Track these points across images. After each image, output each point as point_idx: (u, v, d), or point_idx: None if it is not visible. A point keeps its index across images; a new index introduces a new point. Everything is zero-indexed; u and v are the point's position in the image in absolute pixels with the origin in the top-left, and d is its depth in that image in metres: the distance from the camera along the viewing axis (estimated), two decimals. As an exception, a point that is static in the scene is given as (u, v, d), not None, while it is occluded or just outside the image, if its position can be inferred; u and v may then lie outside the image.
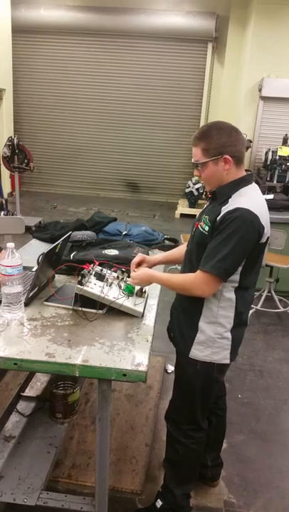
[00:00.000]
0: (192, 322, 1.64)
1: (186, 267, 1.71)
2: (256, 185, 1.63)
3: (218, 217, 1.51)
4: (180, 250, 1.97)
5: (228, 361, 1.67)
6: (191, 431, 1.78)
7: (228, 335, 1.63)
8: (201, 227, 1.59)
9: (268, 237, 1.59)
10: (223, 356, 1.65)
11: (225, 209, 1.50)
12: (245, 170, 1.63)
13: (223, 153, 1.52)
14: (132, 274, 1.75)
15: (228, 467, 2.20)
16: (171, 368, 2.98)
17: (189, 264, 1.68)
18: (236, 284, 1.57)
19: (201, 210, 1.76)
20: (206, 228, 1.56)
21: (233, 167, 1.55)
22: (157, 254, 2.01)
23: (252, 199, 1.54)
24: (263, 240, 1.54)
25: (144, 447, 2.27)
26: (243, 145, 1.59)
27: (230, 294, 1.58)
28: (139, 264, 1.89)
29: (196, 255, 1.62)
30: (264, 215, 1.53)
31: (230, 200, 1.53)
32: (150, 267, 1.94)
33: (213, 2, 7.47)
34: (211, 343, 1.63)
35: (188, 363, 1.68)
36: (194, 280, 1.54)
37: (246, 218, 1.46)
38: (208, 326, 1.62)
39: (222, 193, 1.58)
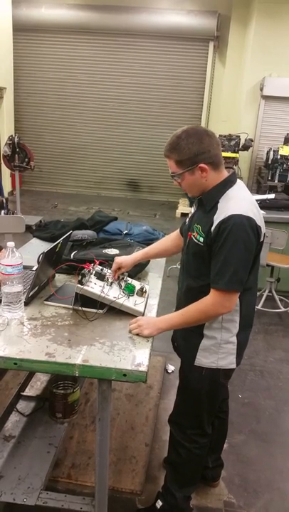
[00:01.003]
0: (197, 329, 1.60)
1: (186, 279, 1.67)
2: (241, 183, 1.58)
3: (213, 228, 1.46)
4: (161, 244, 1.93)
5: (234, 366, 1.65)
6: (195, 436, 1.77)
7: (234, 339, 1.61)
8: (195, 238, 1.55)
9: (264, 235, 1.56)
10: (229, 361, 1.63)
11: (217, 217, 1.46)
12: (227, 167, 1.58)
13: (197, 163, 1.47)
14: (132, 327, 1.56)
15: (228, 468, 2.20)
16: (171, 368, 2.98)
17: (188, 275, 1.65)
18: None
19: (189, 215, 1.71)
20: (201, 239, 1.52)
21: (212, 173, 1.50)
22: (135, 253, 1.93)
23: (241, 201, 1.49)
24: (261, 238, 1.52)
25: (144, 447, 2.27)
26: (218, 148, 1.52)
27: None
28: (119, 269, 1.83)
29: (195, 266, 1.59)
30: (257, 215, 1.49)
31: (218, 205, 1.49)
32: (130, 267, 1.87)
33: (215, 1, 7.45)
34: (217, 348, 1.60)
35: (194, 369, 1.65)
36: (214, 302, 1.49)
37: (242, 224, 1.42)
38: (214, 332, 1.59)
39: (208, 199, 1.53)
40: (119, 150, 8.62)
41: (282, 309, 4.00)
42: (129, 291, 1.75)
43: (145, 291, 1.81)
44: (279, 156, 5.69)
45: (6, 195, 7.26)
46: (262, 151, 6.66)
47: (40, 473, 1.82)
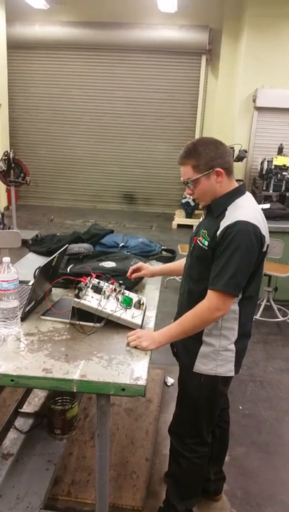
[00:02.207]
0: (196, 336, 1.61)
1: (187, 283, 1.70)
2: (250, 194, 1.64)
3: (218, 232, 1.50)
4: (180, 263, 1.96)
5: (232, 374, 1.66)
6: (195, 445, 1.76)
7: (233, 347, 1.62)
8: (200, 242, 1.58)
9: (268, 245, 1.59)
10: (227, 369, 1.64)
11: (224, 223, 1.50)
12: (237, 180, 1.64)
13: (214, 167, 1.53)
14: (130, 339, 1.56)
15: (230, 480, 2.17)
16: (170, 381, 2.95)
17: (189, 279, 1.68)
18: (240, 295, 1.56)
19: (197, 223, 1.76)
20: (206, 243, 1.56)
21: (225, 178, 1.57)
22: (156, 266, 2.03)
23: (249, 209, 1.54)
24: (264, 248, 1.55)
25: (144, 462, 2.23)
26: (231, 156, 1.60)
27: (234, 306, 1.58)
28: (136, 271, 1.91)
29: (197, 269, 1.62)
30: (262, 224, 1.54)
31: (226, 212, 1.54)
32: (149, 276, 1.96)
33: (206, 16, 7.58)
34: (215, 355, 1.61)
35: (193, 376, 1.66)
36: (210, 304, 1.51)
37: (247, 230, 1.47)
38: (213, 339, 1.61)
39: (217, 205, 1.58)
40: (115, 163, 8.67)
41: (281, 318, 3.99)
42: (127, 304, 1.74)
43: (143, 304, 1.80)
44: (273, 166, 5.73)
45: (2, 210, 7.26)
46: (256, 162, 6.72)
47: (39, 491, 1.80)
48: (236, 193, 1.58)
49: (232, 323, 1.60)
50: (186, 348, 1.68)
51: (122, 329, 1.65)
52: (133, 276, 1.98)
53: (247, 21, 6.66)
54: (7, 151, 5.88)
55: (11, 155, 5.78)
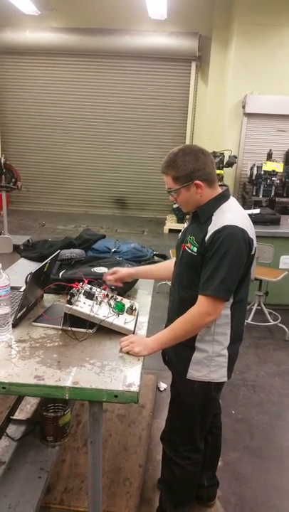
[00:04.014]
0: (188, 342, 1.61)
1: (177, 290, 1.69)
2: (234, 199, 1.65)
3: (207, 237, 1.51)
4: (158, 266, 2.00)
5: (225, 379, 1.66)
6: (187, 452, 1.75)
7: (225, 352, 1.62)
8: (189, 249, 1.58)
9: (256, 248, 1.61)
10: (220, 374, 1.64)
11: (211, 228, 1.51)
12: (220, 185, 1.65)
13: (193, 179, 1.54)
14: (122, 344, 1.56)
15: (223, 486, 2.17)
16: (163, 386, 2.95)
17: (179, 285, 1.67)
18: (231, 300, 1.57)
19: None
20: (194, 249, 1.56)
21: (206, 189, 1.57)
22: (130, 268, 2.02)
23: (235, 214, 1.56)
24: (253, 251, 1.57)
25: (137, 468, 2.22)
26: (212, 166, 1.60)
27: (226, 311, 1.58)
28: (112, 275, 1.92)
29: (187, 276, 1.62)
30: (249, 228, 1.55)
31: (213, 217, 1.54)
32: (122, 279, 1.94)
33: (196, 23, 7.66)
34: (208, 361, 1.61)
35: (186, 383, 1.65)
36: (201, 310, 1.51)
37: (236, 234, 1.48)
38: (206, 344, 1.61)
39: (204, 212, 1.58)
40: (106, 168, 8.68)
41: (272, 323, 4.01)
42: (119, 309, 1.74)
43: (135, 309, 1.81)
44: (263, 172, 5.79)
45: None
46: (246, 167, 6.77)
47: (32, 500, 1.78)
48: (221, 199, 1.59)
49: (224, 328, 1.60)
50: (178, 355, 1.67)
51: (114, 335, 1.65)
52: (108, 278, 1.94)
53: (236, 29, 6.74)
54: (-2, 157, 5.86)
55: (2, 160, 5.76)
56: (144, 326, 1.79)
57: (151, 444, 2.41)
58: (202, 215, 1.58)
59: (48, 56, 8.18)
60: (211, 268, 1.49)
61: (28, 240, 5.97)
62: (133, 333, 1.67)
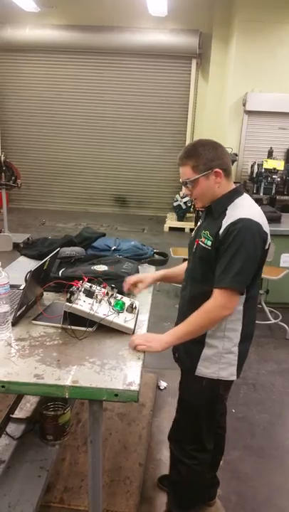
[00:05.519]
0: (198, 337, 1.59)
1: (189, 285, 1.68)
2: (248, 195, 1.64)
3: (221, 231, 1.50)
4: (178, 269, 1.94)
5: (234, 377, 1.64)
6: (194, 451, 1.74)
7: (236, 349, 1.61)
8: (203, 243, 1.58)
9: (270, 243, 1.59)
10: (230, 372, 1.62)
11: (226, 221, 1.51)
12: (234, 182, 1.65)
13: (213, 168, 1.54)
14: (137, 342, 1.52)
15: (224, 485, 2.16)
16: (163, 385, 2.94)
17: (192, 280, 1.66)
18: (244, 296, 1.55)
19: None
20: (209, 243, 1.55)
21: (224, 179, 1.58)
22: (155, 272, 1.97)
23: (250, 208, 1.55)
24: (266, 246, 1.56)
25: (137, 467, 2.21)
26: (229, 158, 1.62)
27: (239, 306, 1.57)
28: (134, 285, 1.87)
29: (200, 271, 1.61)
30: (264, 222, 1.54)
31: (227, 212, 1.54)
32: (147, 286, 1.91)
33: (196, 20, 7.62)
34: (218, 358, 1.60)
35: (194, 380, 1.64)
36: (216, 303, 1.49)
37: (251, 227, 1.48)
38: (216, 341, 1.59)
39: (218, 206, 1.58)
40: (107, 166, 8.66)
41: (273, 321, 4.00)
42: (119, 307, 1.73)
43: (135, 308, 1.79)
44: (263, 170, 5.76)
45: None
46: (246, 165, 6.75)
47: (32, 499, 1.77)
48: (235, 194, 1.59)
49: (236, 325, 1.59)
50: (188, 351, 1.65)
51: (114, 334, 1.63)
52: (129, 288, 1.90)
53: (236, 26, 6.71)
54: (-3, 154, 5.84)
55: (2, 158, 5.74)
56: (144, 324, 1.77)
57: (151, 443, 2.41)
58: (216, 209, 1.58)
59: (48, 53, 8.16)
60: (225, 261, 1.48)
61: (28, 238, 5.95)
62: (133, 332, 1.65)
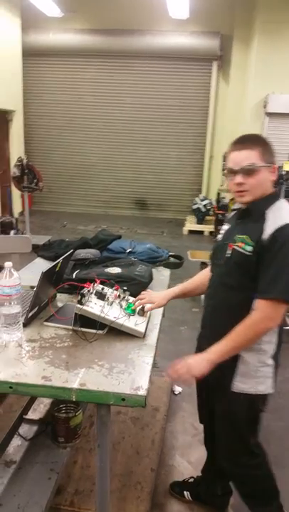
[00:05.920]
0: None
1: (220, 293, 1.57)
2: (284, 199, 1.57)
3: (265, 236, 1.41)
4: (195, 281, 1.83)
5: (272, 390, 1.57)
6: (248, 461, 1.70)
7: (271, 362, 1.54)
8: (241, 248, 1.47)
9: None
10: (267, 385, 1.56)
11: (269, 226, 1.41)
12: None
13: (273, 163, 1.49)
14: (181, 372, 1.44)
15: (236, 494, 2.10)
16: (178, 389, 2.90)
17: (224, 288, 1.55)
18: None
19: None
20: (249, 248, 1.45)
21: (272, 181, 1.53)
22: (170, 289, 1.84)
23: None
24: None
25: (149, 472, 2.19)
26: None
27: None
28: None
29: (236, 277, 1.50)
30: None
31: (267, 215, 1.45)
32: (160, 306, 1.76)
33: (217, 22, 7.59)
34: (254, 372, 1.53)
35: (231, 397, 1.56)
36: (263, 315, 1.41)
37: None
38: (251, 354, 1.51)
39: (257, 208, 1.49)
40: (127, 169, 8.70)
41: (292, 327, 3.90)
42: (130, 310, 1.71)
43: (147, 311, 1.77)
44: (284, 172, 5.66)
45: (16, 215, 7.34)
46: (268, 168, 6.66)
47: (41, 501, 1.76)
48: (274, 197, 1.52)
49: (271, 336, 1.52)
50: (221, 366, 1.48)
51: (124, 337, 1.62)
52: (147, 308, 1.76)
53: (258, 27, 6.64)
54: (20, 157, 5.94)
55: (25, 161, 5.84)
56: (156, 328, 1.75)
57: (164, 449, 2.38)
58: (255, 212, 1.49)
59: (70, 57, 8.28)
60: (273, 270, 1.38)
61: (48, 240, 6.02)
62: (143, 336, 1.63)
